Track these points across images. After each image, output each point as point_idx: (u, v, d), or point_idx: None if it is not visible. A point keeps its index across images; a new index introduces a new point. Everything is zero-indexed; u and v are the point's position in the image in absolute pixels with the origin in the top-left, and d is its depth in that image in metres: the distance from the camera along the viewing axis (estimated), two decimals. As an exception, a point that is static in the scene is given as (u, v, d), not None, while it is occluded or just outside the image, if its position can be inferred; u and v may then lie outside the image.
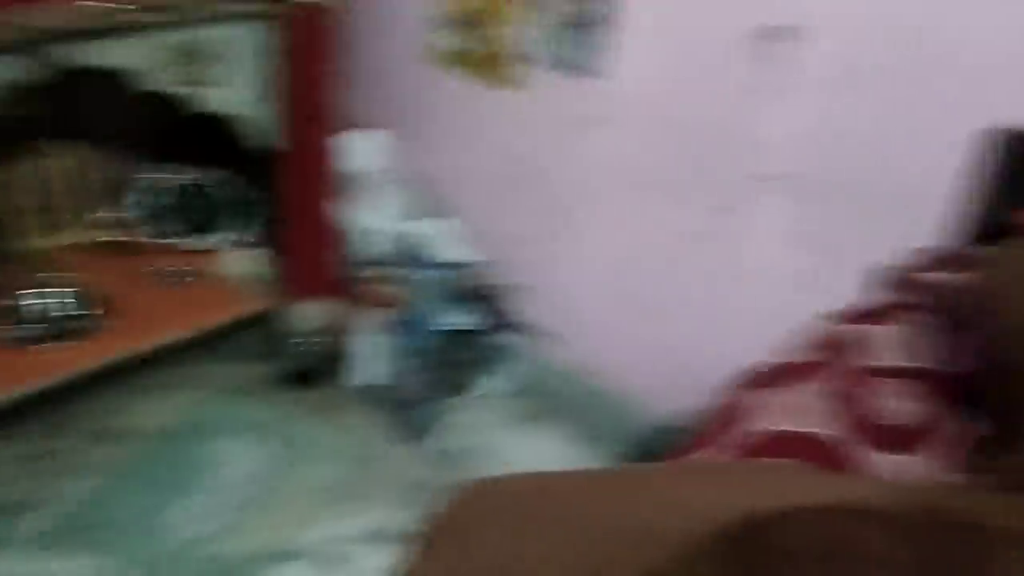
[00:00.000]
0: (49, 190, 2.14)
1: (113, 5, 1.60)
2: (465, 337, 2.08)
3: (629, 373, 1.94)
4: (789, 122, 1.54)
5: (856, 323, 1.14)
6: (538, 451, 1.98)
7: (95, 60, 1.66)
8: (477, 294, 2.07)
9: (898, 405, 0.98)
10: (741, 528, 0.53)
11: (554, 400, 2.08)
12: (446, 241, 2.11)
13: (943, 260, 1.28)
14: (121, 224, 2.22)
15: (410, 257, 2.13)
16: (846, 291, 1.32)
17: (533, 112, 1.91)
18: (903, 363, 1.05)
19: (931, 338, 1.06)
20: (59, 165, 2.14)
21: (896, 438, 0.94)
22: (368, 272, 2.15)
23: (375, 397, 2.09)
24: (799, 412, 0.97)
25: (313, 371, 2.10)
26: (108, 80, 1.70)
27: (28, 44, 1.54)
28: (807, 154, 1.54)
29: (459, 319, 2.08)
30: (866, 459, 0.92)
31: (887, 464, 0.92)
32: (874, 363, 1.05)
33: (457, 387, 2.09)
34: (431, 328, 2.09)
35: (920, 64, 1.37)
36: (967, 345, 1.00)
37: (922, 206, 1.42)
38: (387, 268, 2.15)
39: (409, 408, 2.04)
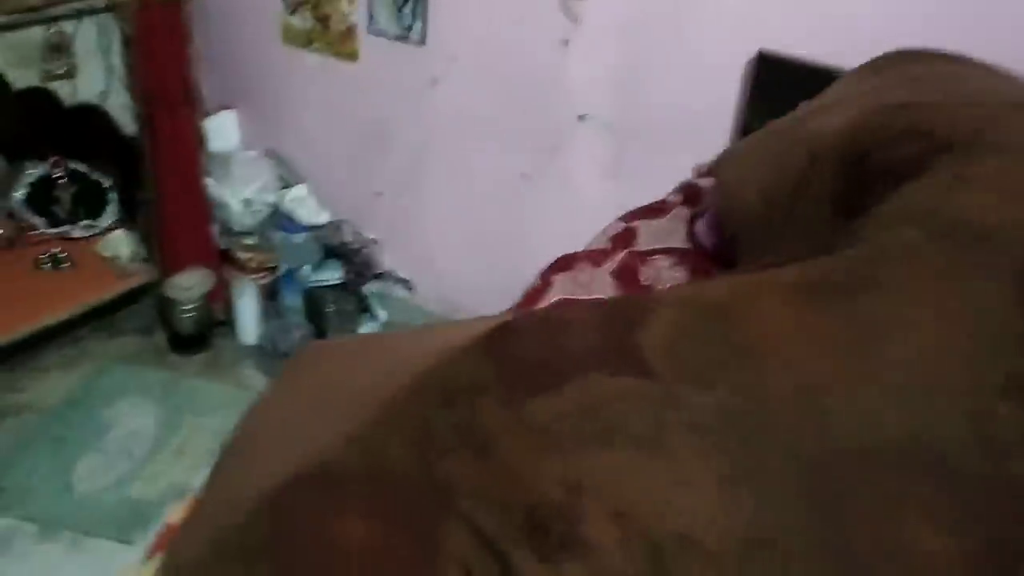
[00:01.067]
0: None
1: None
2: (334, 290, 2.29)
3: (482, 306, 2.18)
4: (591, 68, 1.80)
5: (637, 219, 1.41)
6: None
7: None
8: (341, 250, 2.28)
9: (664, 275, 1.25)
10: (492, 330, 0.77)
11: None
12: (308, 205, 2.31)
13: (708, 168, 1.57)
14: (4, 220, 2.32)
15: (277, 223, 2.32)
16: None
17: (375, 80, 2.12)
18: (670, 245, 1.33)
19: (689, 225, 1.34)
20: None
21: (663, 299, 1.21)
22: (240, 240, 2.33)
23: (259, 353, 2.28)
24: (588, 284, 1.23)
25: (199, 335, 2.27)
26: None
27: None
28: (609, 94, 1.81)
29: (327, 274, 2.29)
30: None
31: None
32: (648, 247, 1.33)
33: (333, 335, 2.30)
34: (303, 285, 2.30)
35: (687, 6, 1.64)
36: (710, 226, 1.28)
37: (705, 127, 1.69)
38: (257, 235, 2.34)
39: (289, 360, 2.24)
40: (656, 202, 1.47)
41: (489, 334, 0.78)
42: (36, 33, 1.89)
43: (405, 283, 2.32)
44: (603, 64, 1.79)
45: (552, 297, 1.20)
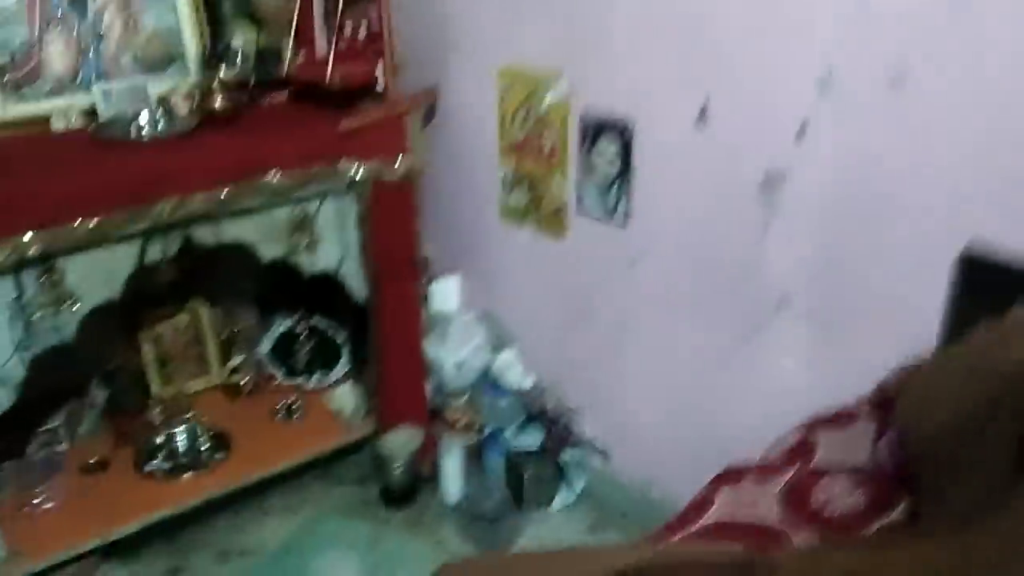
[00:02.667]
0: (191, 342, 2.55)
1: (231, 193, 1.97)
2: (534, 455, 2.33)
3: (676, 480, 2.13)
4: (790, 254, 1.77)
5: (819, 430, 1.34)
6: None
7: (224, 236, 2.06)
8: (542, 416, 2.33)
9: (838, 501, 1.18)
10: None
11: (613, 511, 2.30)
12: (514, 370, 2.40)
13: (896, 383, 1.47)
14: (246, 368, 2.59)
15: (484, 385, 2.42)
16: (848, 398, 1.51)
17: (581, 256, 2.20)
18: (851, 463, 1.25)
19: (875, 440, 1.26)
20: (198, 321, 2.55)
21: (836, 527, 1.14)
22: (450, 400, 2.44)
23: (460, 512, 2.34)
24: (753, 504, 1.18)
25: (407, 491, 2.38)
26: (235, 250, 2.10)
27: (176, 226, 1.95)
28: (808, 281, 1.76)
29: (528, 439, 2.34)
30: (806, 543, 1.12)
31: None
32: (826, 463, 1.26)
33: (530, 500, 2.32)
34: (505, 448, 2.36)
35: (891, 197, 1.58)
36: (892, 447, 1.20)
37: (910, 323, 1.60)
38: (466, 395, 2.44)
39: (489, 521, 2.28)
40: (842, 410, 1.40)
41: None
42: (283, 212, 2.13)
43: (602, 453, 2.32)
44: (803, 251, 1.75)
45: (713, 514, 1.16)
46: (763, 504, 1.17)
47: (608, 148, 2.04)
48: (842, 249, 1.70)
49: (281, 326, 2.61)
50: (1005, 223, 1.44)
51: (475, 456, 2.42)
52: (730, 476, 1.26)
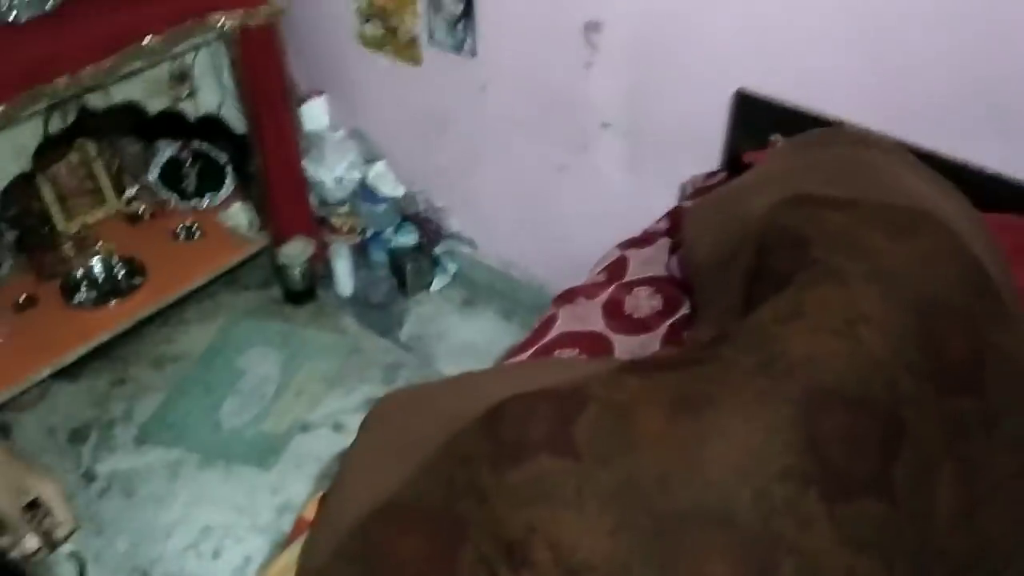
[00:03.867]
0: (85, 177, 2.78)
1: (110, 64, 2.17)
2: (412, 249, 2.77)
3: (531, 263, 2.64)
4: (609, 86, 2.17)
5: (629, 248, 1.82)
6: (474, 329, 2.72)
7: (114, 99, 2.27)
8: (416, 217, 2.75)
9: (643, 304, 1.68)
10: (489, 412, 1.24)
11: (481, 289, 2.81)
12: (387, 180, 2.77)
13: (696, 192, 1.96)
14: (140, 197, 2.86)
15: (362, 194, 2.79)
16: (661, 201, 2.00)
17: (436, 82, 2.52)
18: (653, 274, 1.74)
19: (668, 255, 1.75)
20: (88, 157, 2.76)
21: (641, 326, 1.65)
22: (334, 209, 2.81)
23: (354, 302, 2.80)
24: (584, 318, 1.67)
25: (306, 290, 2.80)
26: (125, 109, 2.32)
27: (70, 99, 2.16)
28: (624, 108, 2.18)
29: (405, 237, 2.77)
30: (623, 342, 1.62)
31: (634, 344, 1.62)
32: (635, 276, 1.75)
33: (412, 287, 2.79)
34: (386, 246, 2.79)
35: (681, 42, 1.98)
36: (679, 264, 1.69)
37: (702, 139, 2.06)
38: (347, 205, 2.81)
39: (378, 308, 2.75)
40: (647, 231, 1.87)
41: (487, 415, 1.25)
42: (163, 68, 2.34)
43: (470, 243, 2.78)
44: (618, 84, 2.15)
45: (557, 330, 1.64)
46: (592, 317, 1.66)
47: (452, -11, 2.32)
48: (647, 84, 2.10)
49: (166, 153, 2.85)
50: (764, 75, 1.87)
51: (361, 256, 2.84)
52: (566, 296, 1.73)
